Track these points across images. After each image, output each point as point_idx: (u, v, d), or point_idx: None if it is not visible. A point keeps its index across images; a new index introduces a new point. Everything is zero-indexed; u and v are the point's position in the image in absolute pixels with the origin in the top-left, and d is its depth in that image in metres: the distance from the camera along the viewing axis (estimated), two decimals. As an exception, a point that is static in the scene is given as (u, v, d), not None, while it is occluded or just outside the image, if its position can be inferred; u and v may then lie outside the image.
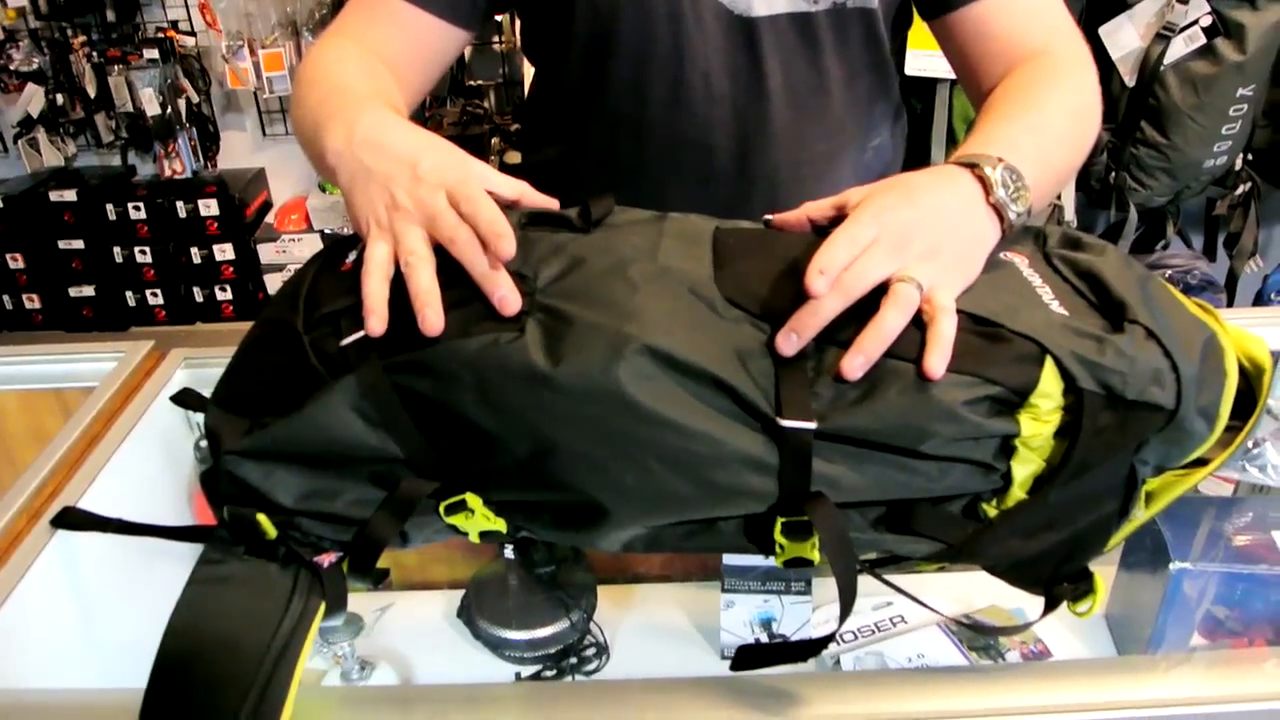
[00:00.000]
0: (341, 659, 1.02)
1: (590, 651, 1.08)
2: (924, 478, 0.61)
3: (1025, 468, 0.61)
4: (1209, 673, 0.70)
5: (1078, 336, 0.61)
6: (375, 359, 0.61)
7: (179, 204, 2.84)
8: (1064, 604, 0.67)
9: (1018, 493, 0.62)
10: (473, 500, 0.63)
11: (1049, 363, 0.60)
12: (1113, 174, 2.14)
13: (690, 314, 0.62)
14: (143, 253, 2.90)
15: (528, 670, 1.06)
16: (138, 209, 2.84)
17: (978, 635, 1.08)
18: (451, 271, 0.63)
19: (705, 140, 0.97)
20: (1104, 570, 1.11)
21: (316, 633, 0.65)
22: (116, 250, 2.89)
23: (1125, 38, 2.01)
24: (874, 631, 1.10)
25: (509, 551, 1.08)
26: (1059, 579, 0.65)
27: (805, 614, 1.04)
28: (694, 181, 0.99)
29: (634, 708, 0.65)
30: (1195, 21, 1.95)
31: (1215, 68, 1.95)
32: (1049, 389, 0.60)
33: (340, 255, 0.70)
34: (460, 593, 1.11)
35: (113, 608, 0.89)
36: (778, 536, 0.61)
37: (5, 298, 2.98)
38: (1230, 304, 2.24)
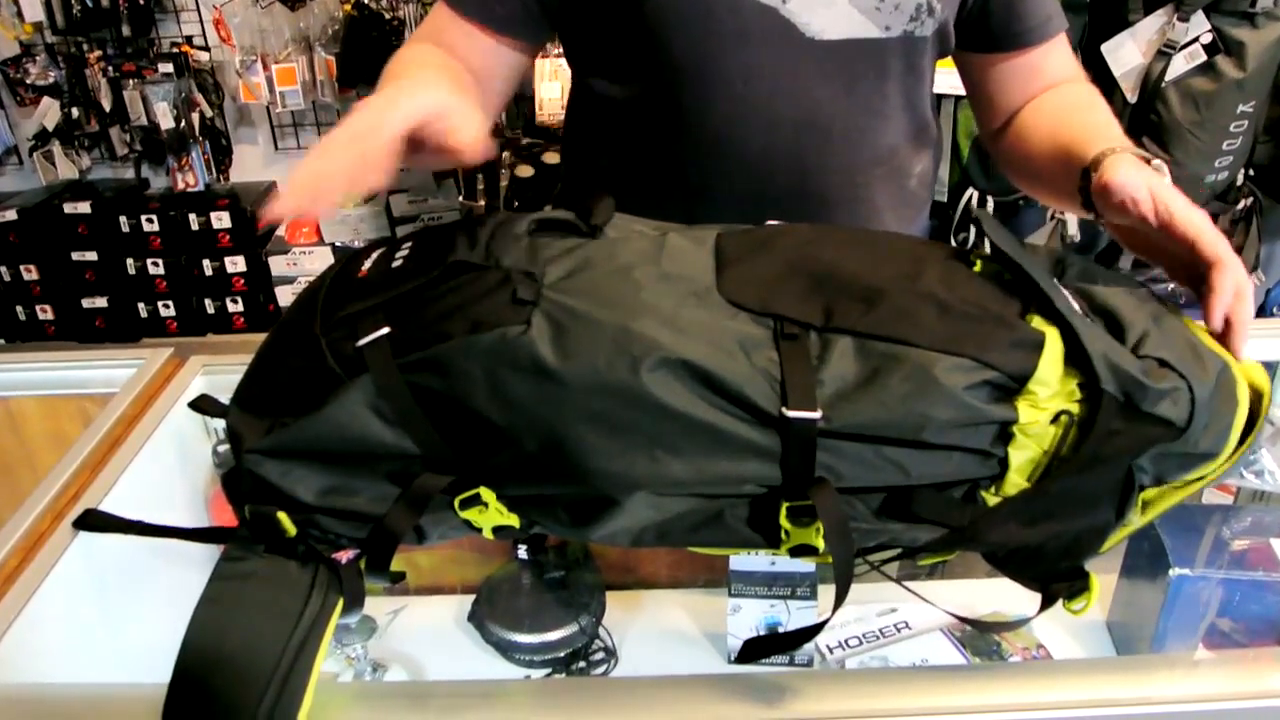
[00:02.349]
0: (355, 660, 1.04)
1: (599, 655, 1.09)
2: (923, 465, 0.63)
3: (1022, 453, 0.63)
4: (1209, 672, 0.72)
5: (1111, 341, 0.64)
6: (390, 358, 0.63)
7: (191, 217, 2.86)
8: (1060, 604, 0.68)
9: (1015, 478, 0.64)
10: (486, 494, 0.65)
11: (1047, 351, 0.62)
12: (1116, 189, 2.16)
13: (693, 312, 0.64)
14: (155, 265, 2.92)
15: (537, 673, 1.07)
16: (150, 221, 2.87)
17: (981, 640, 1.10)
18: (460, 271, 0.66)
19: (764, 159, 0.98)
20: (1105, 578, 1.13)
21: (334, 628, 0.67)
22: (129, 262, 2.91)
23: (1127, 55, 2.03)
24: (879, 637, 1.11)
25: (522, 552, 1.10)
26: (1056, 576, 0.67)
27: (811, 618, 1.06)
28: (748, 200, 0.99)
29: (643, 704, 0.67)
30: (1196, 39, 1.97)
31: (1216, 84, 1.97)
32: (1046, 376, 0.62)
33: (357, 264, 0.72)
34: (471, 597, 1.13)
35: (131, 606, 0.91)
36: (783, 522, 0.63)
37: (19, 308, 3.00)
38: (1233, 318, 2.25)
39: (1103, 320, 0.69)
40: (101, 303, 2.99)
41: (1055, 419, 0.63)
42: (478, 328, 0.62)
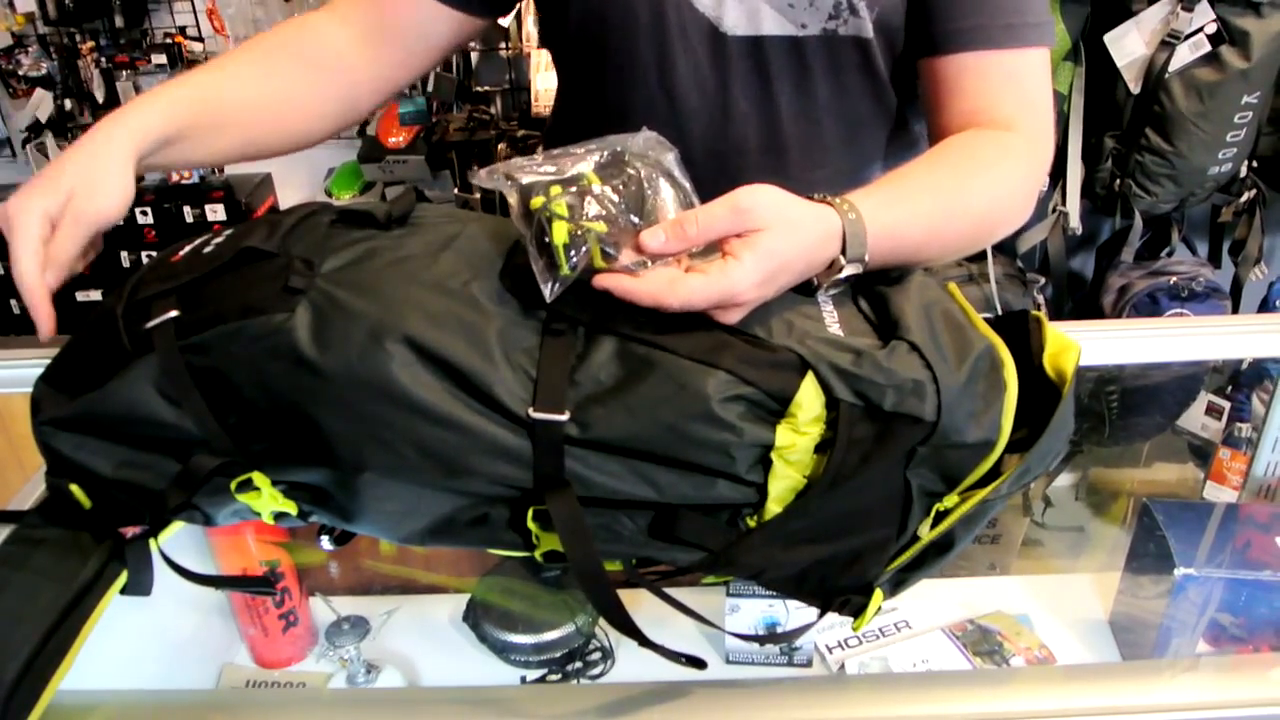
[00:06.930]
0: (348, 662, 1.03)
1: (595, 655, 1.08)
2: (676, 484, 0.61)
3: (781, 482, 0.61)
4: (1213, 678, 0.70)
5: (838, 350, 0.62)
6: (172, 339, 0.63)
7: (186, 208, 2.84)
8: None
9: (773, 507, 0.62)
10: (260, 480, 0.65)
11: (811, 374, 0.60)
12: (1118, 181, 2.14)
13: (456, 307, 0.63)
14: (150, 257, 2.90)
15: (533, 674, 1.06)
16: (144, 213, 2.85)
17: (983, 641, 1.09)
18: (251, 258, 0.66)
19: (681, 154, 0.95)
20: (1108, 576, 1.12)
21: (114, 594, 0.69)
22: (124, 254, 2.90)
23: (1130, 45, 2.01)
24: (878, 636, 1.10)
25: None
26: (839, 590, 0.65)
27: (810, 619, 1.04)
28: None
29: (640, 710, 0.66)
30: (1200, 29, 1.95)
31: (1220, 75, 1.95)
32: (807, 399, 0.60)
33: (178, 248, 0.72)
34: (466, 596, 1.12)
35: (125, 610, 0.90)
36: (530, 525, 0.63)
37: (12, 302, 2.99)
38: (1235, 310, 2.23)
39: (873, 307, 0.68)
40: (95, 296, 2.97)
41: (822, 447, 0.61)
42: (248, 314, 0.62)
